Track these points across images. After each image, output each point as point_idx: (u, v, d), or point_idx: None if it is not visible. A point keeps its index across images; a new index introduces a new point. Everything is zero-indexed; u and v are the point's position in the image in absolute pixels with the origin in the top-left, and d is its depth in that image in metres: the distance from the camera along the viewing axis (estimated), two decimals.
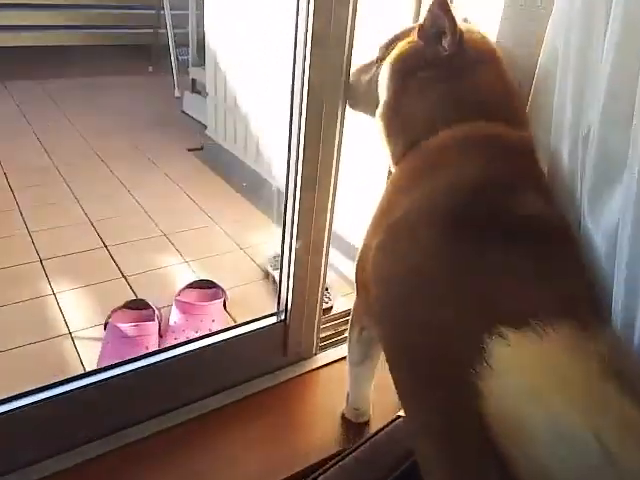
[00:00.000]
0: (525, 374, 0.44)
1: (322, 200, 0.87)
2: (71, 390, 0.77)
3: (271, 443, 0.87)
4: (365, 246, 0.71)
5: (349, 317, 1.10)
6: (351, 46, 0.77)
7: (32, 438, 0.77)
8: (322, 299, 0.98)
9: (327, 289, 1.35)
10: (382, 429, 0.73)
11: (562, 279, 0.56)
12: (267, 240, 1.72)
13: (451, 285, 0.55)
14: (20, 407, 0.73)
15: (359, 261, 0.74)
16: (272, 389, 0.93)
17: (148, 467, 0.80)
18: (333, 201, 0.89)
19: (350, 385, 0.87)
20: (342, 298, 1.38)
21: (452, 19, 0.64)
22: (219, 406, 0.88)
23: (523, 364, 0.45)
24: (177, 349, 0.84)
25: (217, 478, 0.80)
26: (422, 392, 0.55)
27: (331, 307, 1.38)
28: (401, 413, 0.74)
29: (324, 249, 0.92)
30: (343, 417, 0.89)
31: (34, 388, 0.76)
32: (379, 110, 0.72)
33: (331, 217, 0.90)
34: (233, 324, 1.34)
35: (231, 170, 2.14)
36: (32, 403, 0.74)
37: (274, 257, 1.59)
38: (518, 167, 0.64)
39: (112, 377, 0.80)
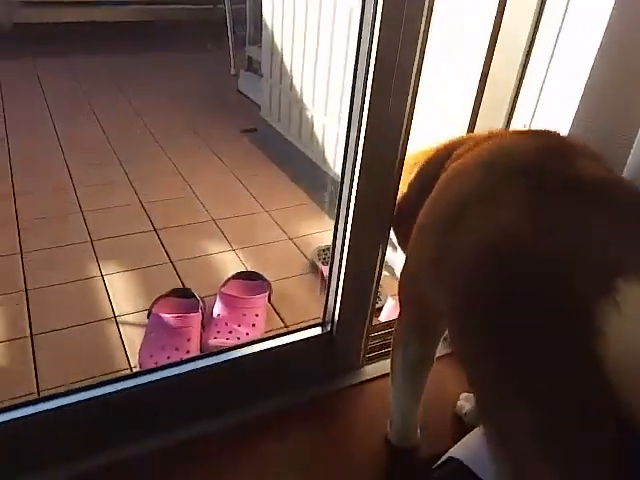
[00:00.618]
0: None
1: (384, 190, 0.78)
2: (110, 393, 0.75)
3: (309, 459, 0.81)
4: (413, 258, 0.64)
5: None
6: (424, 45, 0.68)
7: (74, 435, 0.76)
8: (374, 307, 0.91)
9: None
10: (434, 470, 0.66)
11: None
12: (317, 231, 1.65)
13: (562, 236, 0.46)
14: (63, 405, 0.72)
15: (408, 274, 0.67)
16: (314, 401, 0.87)
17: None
18: (396, 193, 0.79)
19: (394, 409, 0.79)
20: (391, 298, 1.31)
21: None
22: (257, 415, 0.84)
23: None
24: (217, 356, 0.80)
25: None
26: (532, 355, 0.44)
27: (381, 307, 1.31)
28: (453, 454, 0.65)
29: (380, 248, 0.83)
30: (387, 440, 0.82)
31: (71, 389, 0.74)
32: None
33: (391, 214, 0.80)
34: (276, 318, 1.32)
35: (284, 155, 2.08)
36: (68, 404, 0.72)
37: (323, 250, 1.53)
38: (549, 140, 0.60)
39: (151, 382, 0.76)
